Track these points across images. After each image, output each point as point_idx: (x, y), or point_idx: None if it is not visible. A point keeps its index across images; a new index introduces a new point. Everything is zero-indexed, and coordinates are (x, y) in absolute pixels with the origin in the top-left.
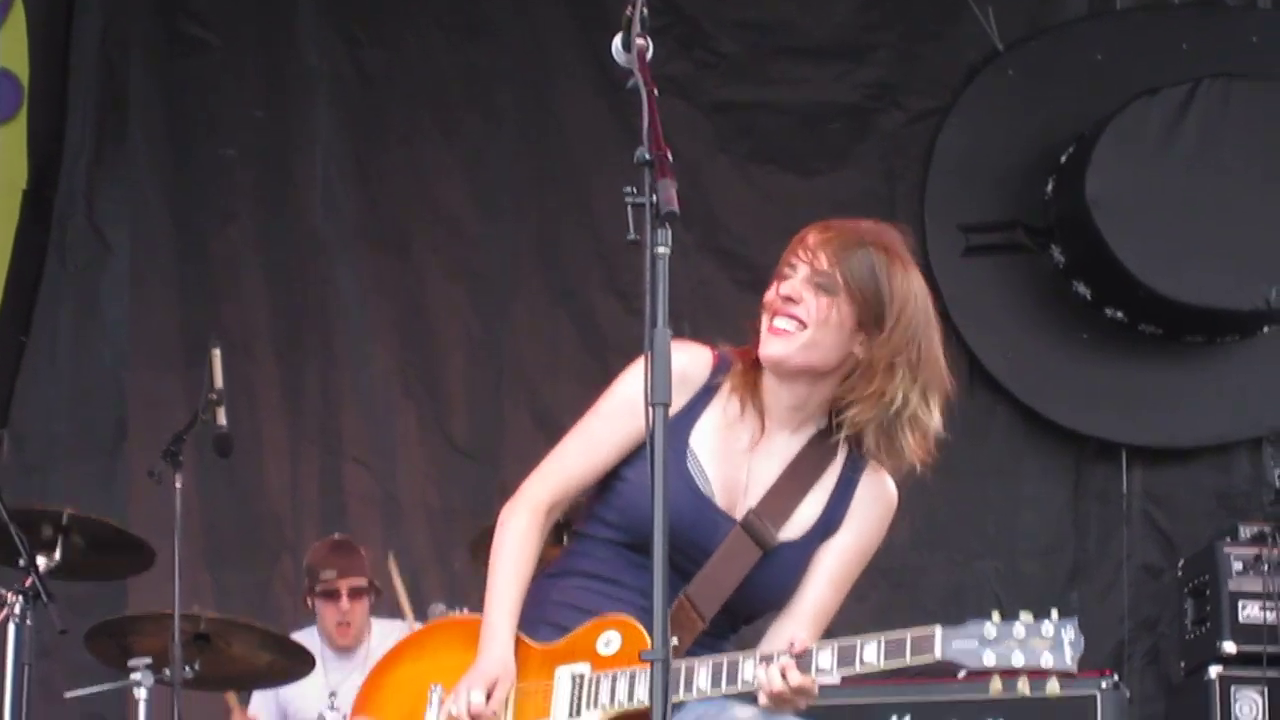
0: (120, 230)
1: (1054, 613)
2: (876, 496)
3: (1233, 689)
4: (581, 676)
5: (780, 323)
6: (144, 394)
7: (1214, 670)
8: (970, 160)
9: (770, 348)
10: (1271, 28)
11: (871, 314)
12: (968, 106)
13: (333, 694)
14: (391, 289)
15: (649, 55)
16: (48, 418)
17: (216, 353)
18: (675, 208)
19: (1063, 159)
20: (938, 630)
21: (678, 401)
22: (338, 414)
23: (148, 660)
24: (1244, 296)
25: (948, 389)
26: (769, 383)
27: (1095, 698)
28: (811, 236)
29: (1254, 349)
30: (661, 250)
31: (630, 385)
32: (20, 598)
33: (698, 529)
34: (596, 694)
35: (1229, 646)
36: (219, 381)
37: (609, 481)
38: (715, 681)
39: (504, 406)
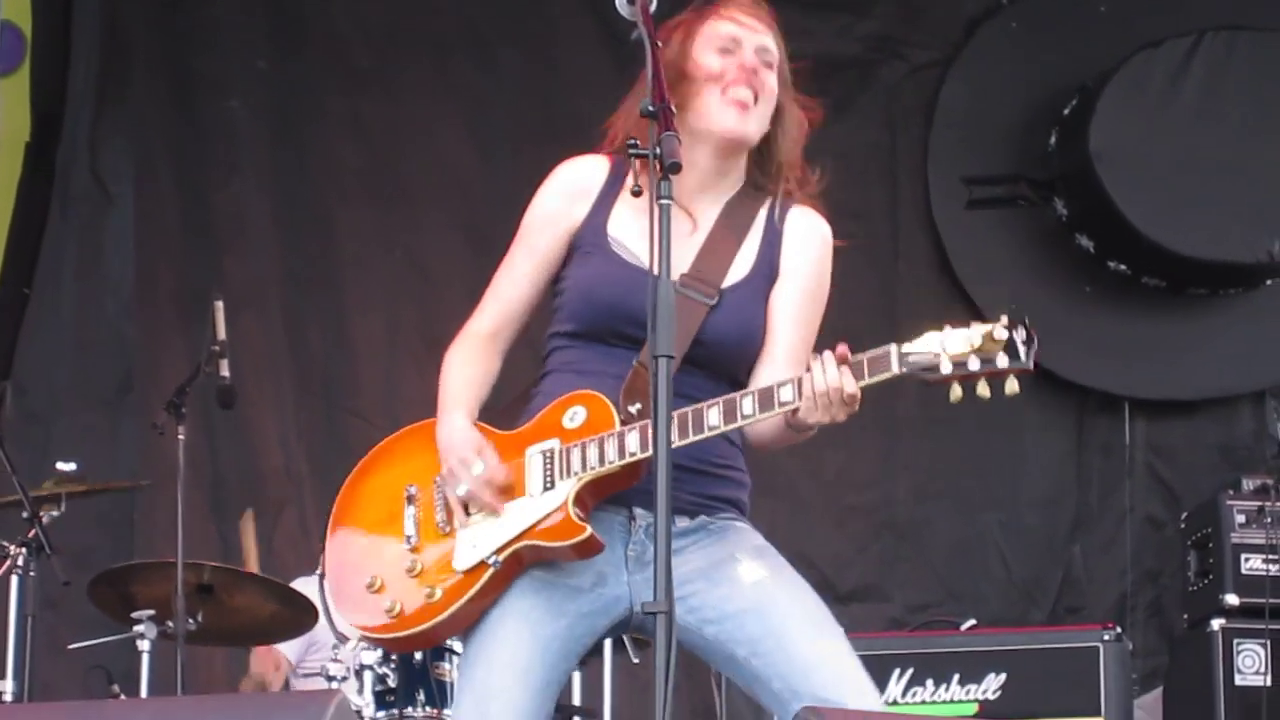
0: (123, 182)
1: (1004, 317)
2: (808, 229)
3: (1235, 641)
4: (551, 451)
5: (742, 93)
6: (146, 347)
7: (1216, 623)
8: (973, 113)
9: (733, 122)
10: None
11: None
12: (970, 59)
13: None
14: (393, 242)
15: (652, 8)
16: (50, 369)
17: (219, 305)
18: (679, 159)
19: (1066, 112)
20: (892, 347)
21: (583, 207)
22: (340, 367)
23: (151, 612)
24: (1247, 249)
25: None
26: (690, 156)
27: (1098, 649)
28: (744, 13)
29: (1257, 302)
30: (665, 201)
31: (539, 205)
32: (24, 549)
33: (639, 296)
34: (568, 464)
35: (1232, 599)
36: (221, 333)
37: (554, 294)
38: (727, 418)
39: (506, 359)
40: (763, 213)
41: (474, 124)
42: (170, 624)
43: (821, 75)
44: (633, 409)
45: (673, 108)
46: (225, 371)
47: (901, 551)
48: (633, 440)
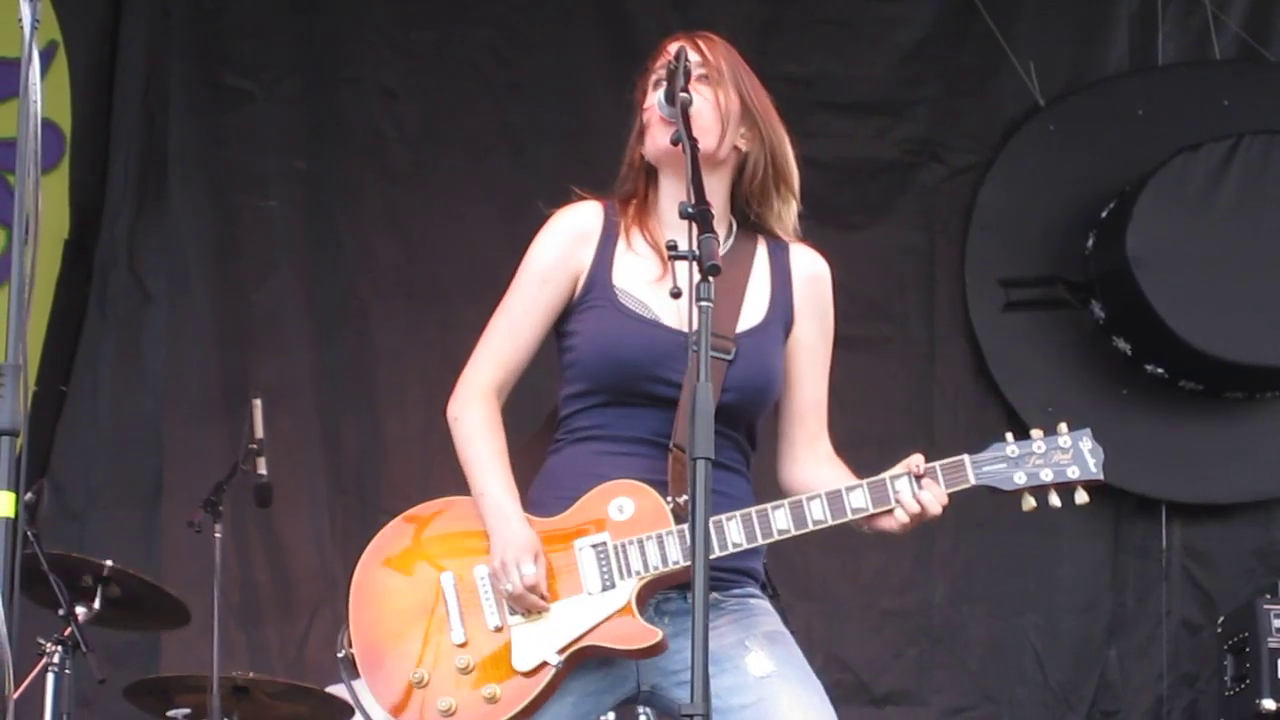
0: (161, 280)
1: (1063, 425)
2: (815, 270)
3: None
4: (604, 546)
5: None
6: (180, 445)
7: None
8: (1011, 215)
9: (666, 137)
10: None
11: (747, 104)
12: (1008, 161)
13: None
14: (429, 341)
15: (692, 109)
16: (87, 467)
17: (258, 403)
18: (718, 261)
19: (1103, 214)
20: (966, 458)
21: (586, 253)
22: (375, 466)
23: (187, 711)
24: None
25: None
26: (666, 191)
27: None
28: (674, 43)
29: None
30: (704, 304)
31: (538, 255)
32: (60, 647)
33: (656, 351)
34: (627, 562)
35: (1269, 704)
36: (259, 431)
37: (563, 348)
38: (749, 535)
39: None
40: (762, 251)
41: (509, 220)
42: None
43: (860, 178)
44: (682, 500)
45: (712, 210)
46: (263, 470)
47: (937, 655)
48: None
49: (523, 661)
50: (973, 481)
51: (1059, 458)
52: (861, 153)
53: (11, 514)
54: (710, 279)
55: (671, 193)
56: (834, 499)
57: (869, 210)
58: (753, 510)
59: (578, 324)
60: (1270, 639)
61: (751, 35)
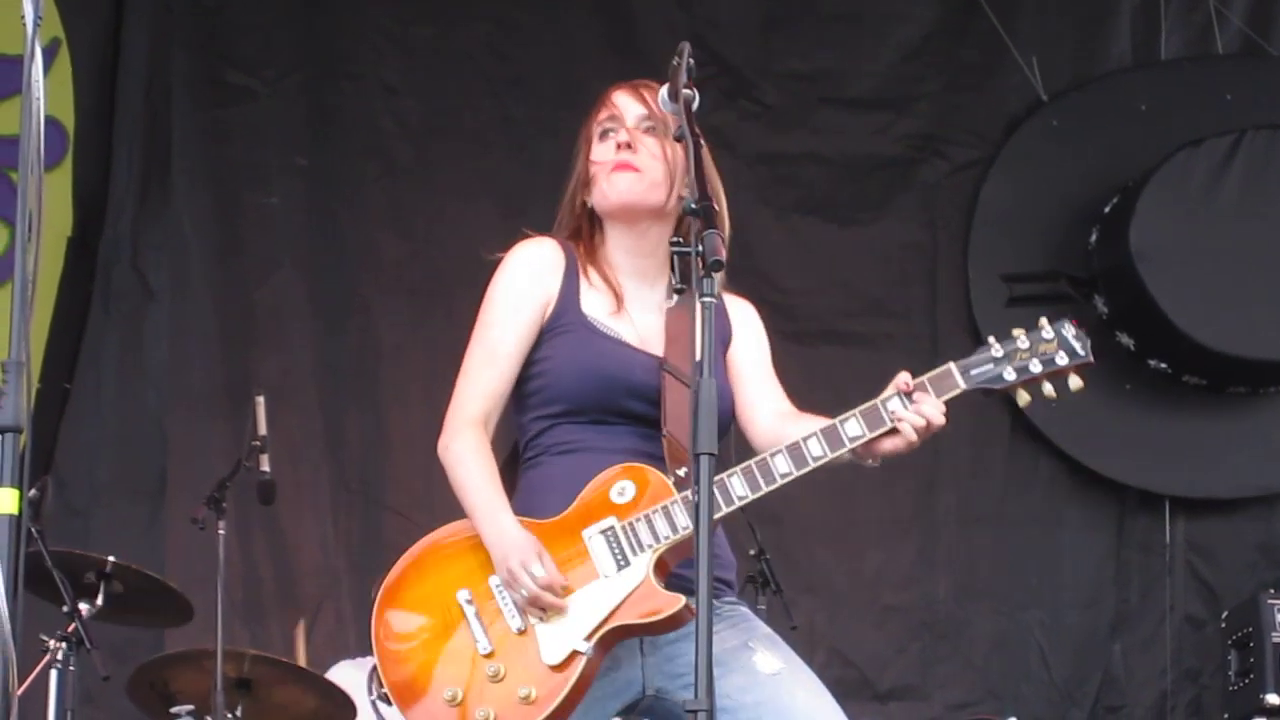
0: (164, 277)
1: (1043, 319)
2: (745, 306)
3: None
4: (612, 529)
5: (623, 162)
6: (183, 442)
7: None
8: (1013, 211)
9: (618, 187)
10: None
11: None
12: (1011, 157)
13: None
14: (432, 337)
15: (695, 105)
16: (91, 464)
17: (260, 400)
18: (721, 256)
19: (1106, 210)
20: (952, 365)
21: (553, 283)
22: (378, 463)
23: (190, 707)
24: None
25: None
26: (615, 241)
27: None
28: (619, 94)
29: None
30: (708, 299)
31: (505, 286)
32: (63, 644)
33: (635, 372)
34: (637, 538)
35: (1273, 698)
36: (263, 428)
37: (528, 377)
38: (752, 485)
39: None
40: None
41: (511, 216)
42: (210, 719)
43: (863, 173)
44: (680, 473)
45: (715, 205)
46: (266, 467)
47: (941, 651)
48: None
49: (552, 655)
50: (962, 386)
51: (1045, 348)
52: (864, 148)
53: (15, 511)
54: (713, 275)
55: (621, 242)
56: (829, 432)
57: (871, 206)
58: (752, 461)
59: (548, 349)
60: (1274, 633)
61: (754, 31)
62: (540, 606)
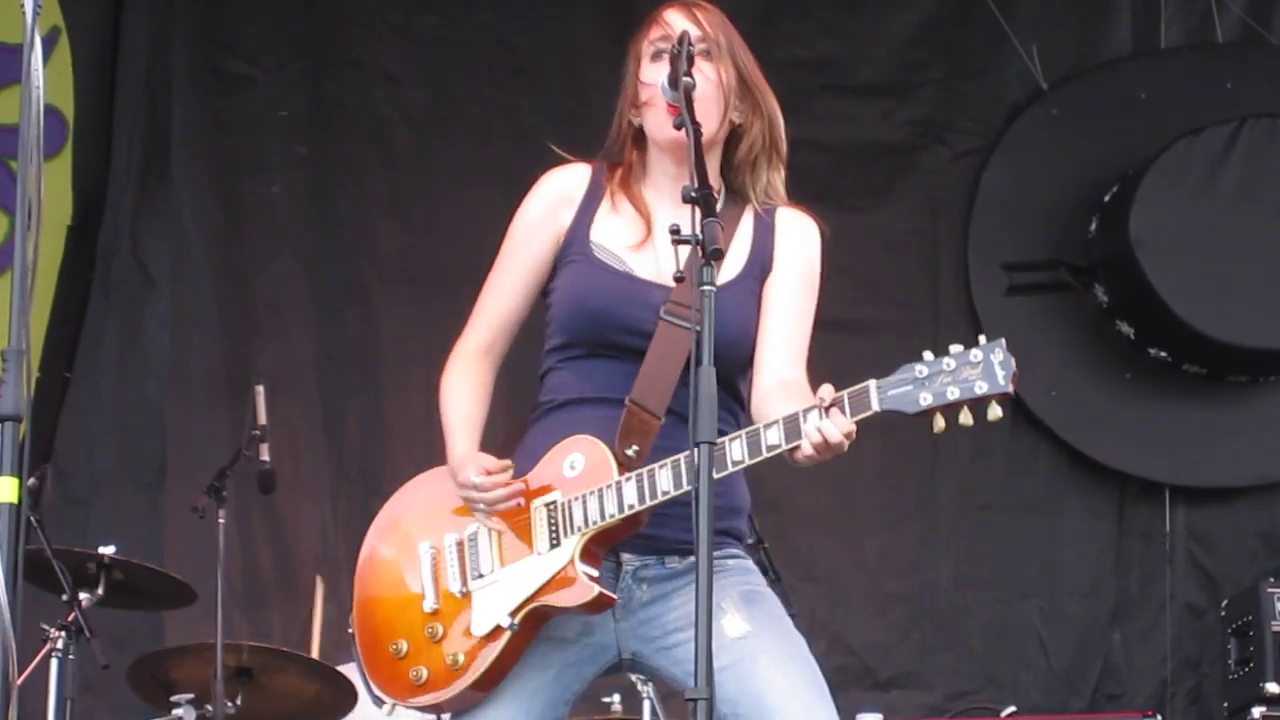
0: (164, 266)
1: (981, 338)
2: (801, 224)
3: None
4: (554, 504)
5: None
6: (183, 431)
7: (1257, 711)
8: (1014, 199)
9: (672, 130)
10: None
11: (744, 77)
12: (1011, 145)
13: None
14: (432, 326)
15: (695, 93)
16: (91, 452)
17: (260, 389)
18: (720, 244)
19: (1106, 198)
20: (871, 384)
21: (567, 215)
22: (378, 452)
23: (190, 696)
24: None
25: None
26: (660, 166)
27: None
28: (672, 12)
29: None
30: (707, 287)
31: (525, 215)
32: (63, 633)
33: (625, 300)
34: (570, 519)
35: (1273, 687)
36: (262, 418)
37: (545, 308)
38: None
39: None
40: (749, 214)
41: (512, 205)
42: (210, 708)
43: (863, 161)
44: (630, 452)
45: (715, 193)
46: (265, 456)
47: (941, 639)
48: (630, 492)
49: (480, 626)
50: (876, 408)
51: (967, 373)
52: (865, 135)
53: (15, 500)
54: (713, 263)
55: (666, 169)
56: (752, 437)
57: (872, 193)
58: (678, 459)
59: (557, 280)
60: (1274, 622)
61: (755, 18)
62: (496, 507)
